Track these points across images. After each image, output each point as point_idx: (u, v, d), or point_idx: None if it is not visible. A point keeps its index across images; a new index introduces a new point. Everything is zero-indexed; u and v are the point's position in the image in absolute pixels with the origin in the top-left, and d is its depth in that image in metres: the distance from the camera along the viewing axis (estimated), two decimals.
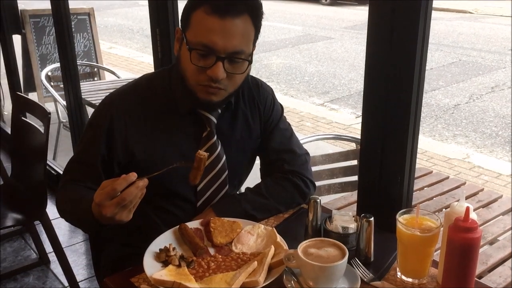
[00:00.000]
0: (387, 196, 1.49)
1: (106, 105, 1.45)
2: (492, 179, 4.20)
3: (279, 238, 1.30)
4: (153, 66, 2.46)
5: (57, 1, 3.06)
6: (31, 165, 2.43)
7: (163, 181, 1.35)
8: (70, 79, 3.23)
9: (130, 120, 1.42)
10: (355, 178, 2.33)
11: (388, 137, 1.45)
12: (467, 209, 1.09)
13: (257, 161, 1.67)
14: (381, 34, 1.38)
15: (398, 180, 1.45)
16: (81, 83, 3.41)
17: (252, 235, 1.34)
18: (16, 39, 4.56)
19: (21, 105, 2.52)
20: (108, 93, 1.50)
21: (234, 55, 1.32)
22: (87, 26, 5.11)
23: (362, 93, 1.50)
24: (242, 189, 1.64)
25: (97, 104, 1.51)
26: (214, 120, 1.49)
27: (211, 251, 1.30)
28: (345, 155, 2.43)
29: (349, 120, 5.67)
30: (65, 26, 3.07)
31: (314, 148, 2.48)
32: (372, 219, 1.27)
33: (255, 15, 1.35)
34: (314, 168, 1.91)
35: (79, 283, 2.59)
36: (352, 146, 2.81)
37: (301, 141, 1.73)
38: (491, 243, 2.00)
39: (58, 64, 3.74)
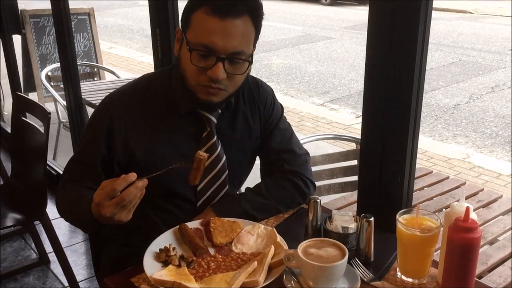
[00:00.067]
0: (387, 196, 1.49)
1: (106, 105, 1.45)
2: (492, 179, 4.20)
3: (279, 238, 1.30)
4: (153, 66, 2.46)
5: (57, 1, 3.05)
6: (31, 165, 2.43)
7: (163, 181, 1.34)
8: (70, 79, 3.23)
9: (130, 120, 1.42)
10: (355, 178, 2.33)
11: (388, 137, 1.45)
12: (467, 209, 1.09)
13: (257, 161, 1.66)
14: (381, 34, 1.38)
15: (398, 180, 1.45)
16: (81, 83, 3.41)
17: (252, 235, 1.34)
18: (16, 39, 4.56)
19: (21, 105, 2.52)
20: (108, 93, 1.50)
21: (234, 56, 1.32)
22: (87, 26, 5.11)
23: (362, 93, 1.50)
24: (242, 189, 1.64)
25: (97, 104, 1.51)
26: (214, 120, 1.49)
27: (211, 251, 1.30)
28: (345, 155, 2.43)
29: (349, 120, 5.67)
30: (65, 26, 3.07)
31: (314, 148, 2.48)
32: (372, 219, 1.27)
33: (256, 16, 1.35)
34: (314, 168, 1.91)
35: (79, 283, 2.59)
36: (352, 146, 2.80)
37: (301, 141, 1.73)
38: (491, 243, 2.00)
39: (58, 64, 3.74)
